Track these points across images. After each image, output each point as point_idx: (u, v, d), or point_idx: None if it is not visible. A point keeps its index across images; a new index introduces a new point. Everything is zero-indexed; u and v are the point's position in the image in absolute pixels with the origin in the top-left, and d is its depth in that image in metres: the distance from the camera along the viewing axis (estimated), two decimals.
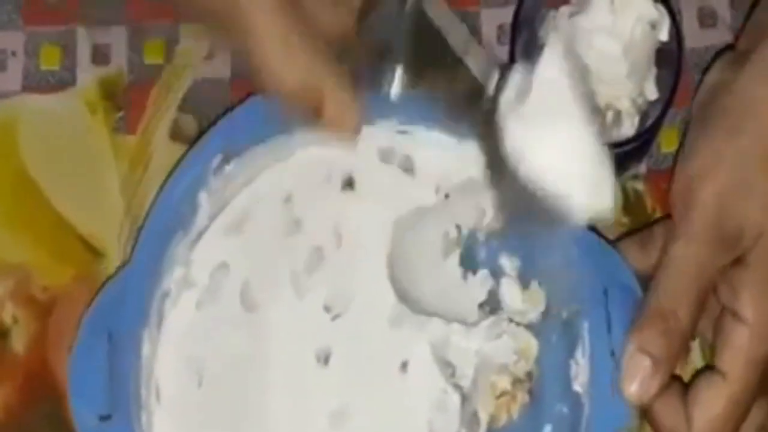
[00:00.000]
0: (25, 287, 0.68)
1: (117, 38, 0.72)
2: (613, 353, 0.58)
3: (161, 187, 0.62)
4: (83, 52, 0.72)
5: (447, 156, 0.64)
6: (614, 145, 0.61)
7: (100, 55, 0.72)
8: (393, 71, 0.59)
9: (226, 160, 0.63)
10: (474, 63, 0.57)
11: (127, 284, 0.60)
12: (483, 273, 0.64)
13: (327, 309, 0.64)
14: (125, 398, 0.59)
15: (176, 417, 0.61)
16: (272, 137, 0.64)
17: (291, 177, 0.65)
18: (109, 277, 0.61)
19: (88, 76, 0.71)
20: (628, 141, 0.63)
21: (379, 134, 0.65)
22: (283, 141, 0.64)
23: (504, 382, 0.63)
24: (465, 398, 0.63)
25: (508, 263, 0.65)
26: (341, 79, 0.57)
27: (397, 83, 0.60)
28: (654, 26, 0.62)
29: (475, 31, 0.72)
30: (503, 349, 0.63)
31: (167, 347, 0.62)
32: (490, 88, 0.56)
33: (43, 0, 0.72)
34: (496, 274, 0.64)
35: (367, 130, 0.63)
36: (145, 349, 0.61)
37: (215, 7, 0.56)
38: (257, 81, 0.57)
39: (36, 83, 0.71)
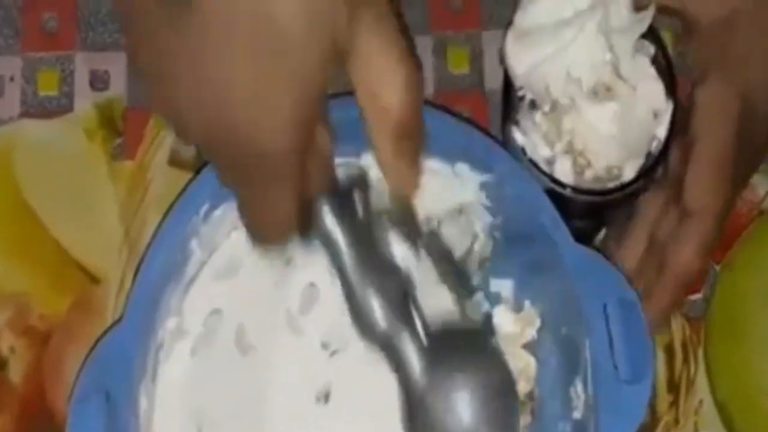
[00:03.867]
0: (23, 316, 0.68)
1: (115, 64, 0.71)
2: (616, 368, 0.58)
3: (152, 238, 0.62)
4: (81, 78, 0.71)
5: (437, 181, 0.64)
6: (613, 191, 0.61)
7: (98, 81, 0.71)
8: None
9: (214, 207, 0.62)
10: None
11: (121, 341, 0.60)
12: (478, 297, 0.64)
13: (324, 346, 0.63)
14: None
15: None
16: None
17: None
18: (104, 334, 0.60)
19: (86, 101, 0.71)
20: (627, 184, 0.62)
21: (366, 165, 0.64)
22: None
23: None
24: None
25: (501, 286, 0.65)
26: None
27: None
28: (656, 116, 0.61)
29: (477, 54, 0.72)
30: None
31: (164, 400, 0.62)
32: None
33: (41, 25, 0.72)
34: (490, 297, 0.64)
35: (354, 162, 0.63)
36: (143, 404, 0.61)
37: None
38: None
39: (34, 109, 0.71)
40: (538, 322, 0.63)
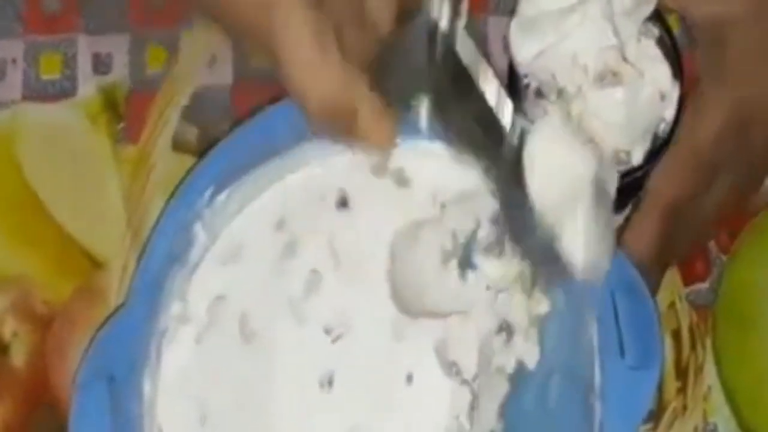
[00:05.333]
0: (26, 301, 0.68)
1: (118, 47, 0.72)
2: (623, 354, 0.58)
3: (155, 222, 0.62)
4: (84, 61, 0.71)
5: (441, 166, 0.64)
6: (623, 175, 0.61)
7: (101, 64, 0.71)
8: (419, 104, 0.59)
9: (218, 191, 0.62)
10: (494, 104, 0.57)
11: (125, 325, 0.60)
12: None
13: (327, 332, 0.63)
14: None
15: None
16: (263, 163, 0.63)
17: (283, 201, 0.64)
18: (107, 319, 0.60)
19: (89, 85, 0.71)
20: (637, 169, 0.62)
21: None
22: (274, 165, 0.64)
23: (510, 362, 0.62)
24: (475, 397, 0.62)
25: None
26: (372, 92, 0.56)
27: (423, 116, 0.59)
28: (663, 98, 0.61)
29: (482, 39, 0.72)
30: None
31: (167, 386, 0.61)
32: (511, 138, 0.57)
33: (43, 8, 0.72)
34: None
35: None
36: (147, 390, 0.60)
37: (246, 16, 0.55)
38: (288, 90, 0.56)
39: (36, 92, 0.71)
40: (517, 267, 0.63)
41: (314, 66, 0.54)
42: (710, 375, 0.68)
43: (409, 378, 0.63)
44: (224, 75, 0.71)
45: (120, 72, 0.71)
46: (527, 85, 0.62)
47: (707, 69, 0.62)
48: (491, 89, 0.57)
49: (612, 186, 0.58)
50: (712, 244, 0.69)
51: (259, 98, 0.66)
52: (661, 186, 0.62)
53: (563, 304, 0.62)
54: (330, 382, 0.63)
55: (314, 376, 0.63)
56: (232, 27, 0.56)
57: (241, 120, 0.64)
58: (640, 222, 0.63)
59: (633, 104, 0.60)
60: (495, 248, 0.64)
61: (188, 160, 0.68)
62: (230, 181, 0.63)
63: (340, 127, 0.56)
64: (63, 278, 0.68)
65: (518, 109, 0.62)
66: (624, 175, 0.61)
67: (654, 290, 0.64)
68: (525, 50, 0.61)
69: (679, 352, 0.69)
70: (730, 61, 0.62)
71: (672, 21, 0.64)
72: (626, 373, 0.58)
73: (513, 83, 0.63)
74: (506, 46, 0.62)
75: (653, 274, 0.63)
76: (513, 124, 0.56)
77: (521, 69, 0.61)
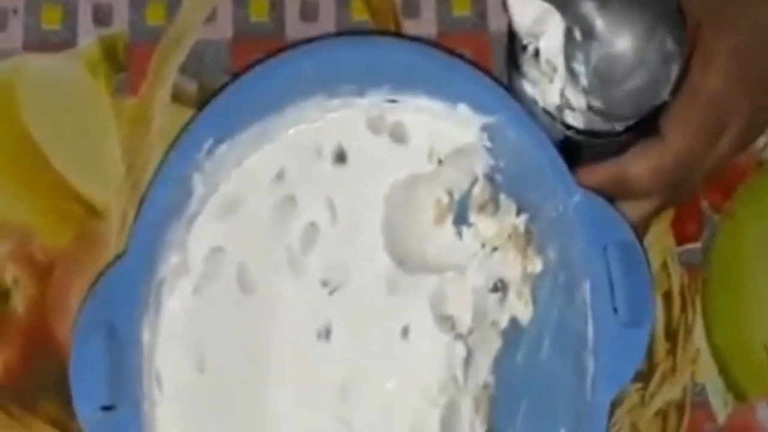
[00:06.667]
0: (26, 248, 0.68)
1: None
2: (615, 310, 0.58)
3: (155, 173, 0.62)
4: (85, 12, 0.71)
5: (438, 122, 0.64)
6: (626, 130, 0.61)
7: (101, 16, 0.71)
8: None
9: (218, 142, 0.62)
10: None
11: (125, 274, 0.60)
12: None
13: (324, 283, 0.64)
14: (128, 389, 0.59)
15: (179, 405, 0.61)
16: (263, 117, 0.63)
17: (282, 155, 0.64)
18: (107, 267, 0.60)
19: (89, 36, 0.71)
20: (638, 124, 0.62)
21: (368, 105, 0.64)
22: (274, 120, 0.64)
23: (504, 319, 0.63)
24: (470, 351, 0.63)
25: None
26: None
27: None
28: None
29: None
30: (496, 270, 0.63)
31: (166, 335, 0.62)
32: None
33: None
34: None
35: (356, 102, 0.63)
36: (145, 338, 0.61)
37: None
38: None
39: (37, 42, 0.71)
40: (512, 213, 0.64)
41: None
42: (700, 337, 0.68)
43: (405, 331, 0.64)
44: (224, 29, 0.71)
45: (120, 23, 0.71)
46: (525, 47, 0.62)
47: (706, 16, 0.62)
48: None
49: None
50: (705, 204, 0.69)
51: (258, 53, 0.67)
52: (676, 133, 0.62)
53: (556, 261, 0.62)
54: (327, 334, 0.63)
55: (312, 327, 0.63)
56: None
57: (240, 74, 0.64)
58: (653, 161, 0.62)
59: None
60: (490, 206, 0.64)
61: (187, 112, 0.68)
62: (229, 133, 0.63)
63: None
64: (62, 226, 0.68)
65: (520, 72, 0.62)
66: (627, 130, 0.62)
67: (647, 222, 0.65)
68: (523, 14, 0.61)
69: (669, 313, 0.69)
70: (725, 3, 0.62)
71: None
72: (619, 330, 0.58)
73: (512, 44, 0.63)
74: (505, 9, 0.62)
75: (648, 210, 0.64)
76: None
77: (520, 31, 0.62)
